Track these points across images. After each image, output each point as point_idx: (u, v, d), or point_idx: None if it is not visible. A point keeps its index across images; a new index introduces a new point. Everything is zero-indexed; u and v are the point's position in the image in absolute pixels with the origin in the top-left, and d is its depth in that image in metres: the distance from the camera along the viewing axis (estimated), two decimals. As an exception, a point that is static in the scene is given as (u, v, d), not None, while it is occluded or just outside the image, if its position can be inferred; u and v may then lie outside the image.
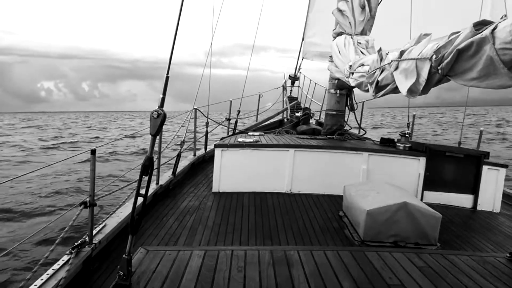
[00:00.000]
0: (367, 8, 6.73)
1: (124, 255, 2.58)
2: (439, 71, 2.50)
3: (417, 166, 6.09)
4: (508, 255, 3.44)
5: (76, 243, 3.36)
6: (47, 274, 2.95)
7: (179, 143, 6.68)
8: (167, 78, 2.72)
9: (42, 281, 2.86)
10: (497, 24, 1.99)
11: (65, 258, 3.20)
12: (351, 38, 6.37)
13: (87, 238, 3.48)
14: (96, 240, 3.58)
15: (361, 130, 8.69)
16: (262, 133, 8.06)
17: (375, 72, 3.77)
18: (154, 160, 2.98)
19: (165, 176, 6.22)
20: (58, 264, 3.10)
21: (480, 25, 2.15)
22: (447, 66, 2.39)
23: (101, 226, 3.95)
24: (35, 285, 2.81)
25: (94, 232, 3.69)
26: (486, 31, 2.03)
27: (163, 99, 2.67)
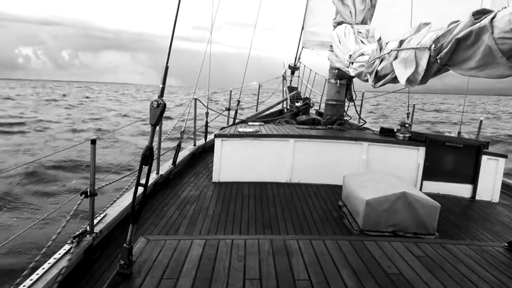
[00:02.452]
0: (367, -3, 6.67)
1: (125, 244, 2.60)
2: (438, 61, 2.49)
3: (416, 156, 6.10)
4: (506, 244, 3.46)
5: (77, 233, 3.39)
6: (49, 263, 2.98)
7: (179, 133, 6.69)
8: (167, 67, 2.70)
9: (44, 270, 2.89)
10: (496, 13, 1.98)
11: (67, 247, 3.22)
12: (352, 27, 6.34)
13: (88, 227, 3.51)
14: (97, 229, 3.61)
15: (360, 120, 8.69)
16: (262, 123, 8.06)
17: (374, 62, 3.76)
18: (154, 150, 2.98)
19: (165, 166, 6.24)
20: (59, 253, 3.13)
21: (479, 14, 2.14)
22: (446, 56, 2.38)
23: (102, 215, 3.98)
24: (37, 274, 2.83)
25: (95, 221, 3.72)
26: (485, 20, 2.02)
27: (162, 89, 2.67)
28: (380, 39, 3.73)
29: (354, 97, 7.98)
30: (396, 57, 3.16)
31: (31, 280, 2.75)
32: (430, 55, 2.58)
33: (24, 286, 2.68)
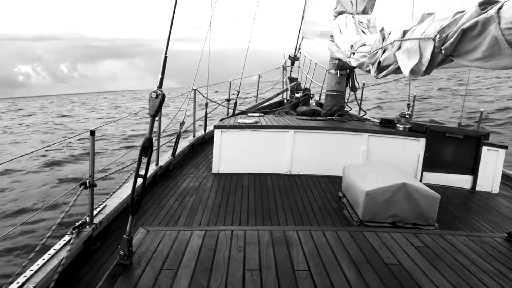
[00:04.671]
0: (369, -14, 6.60)
1: (124, 235, 2.59)
2: (443, 51, 2.46)
3: (416, 147, 6.09)
4: (505, 235, 3.46)
5: (77, 223, 3.38)
6: (49, 254, 2.98)
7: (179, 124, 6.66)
8: (165, 58, 2.67)
9: (44, 260, 2.89)
10: (503, 4, 1.94)
11: (66, 238, 3.22)
12: (352, 17, 6.27)
13: (87, 218, 3.50)
14: (96, 220, 3.60)
15: (361, 111, 8.66)
16: (262, 114, 8.02)
17: (377, 52, 3.72)
18: (154, 141, 2.96)
19: (165, 157, 6.22)
20: (59, 244, 3.13)
21: (486, 4, 2.10)
22: (451, 46, 2.35)
23: (101, 206, 3.97)
24: (37, 264, 2.83)
25: (95, 212, 3.71)
26: (492, 11, 1.99)
27: (161, 80, 2.64)
28: (382, 29, 3.69)
29: (357, 87, 7.93)
30: (399, 48, 3.12)
31: (31, 270, 2.75)
32: (434, 46, 2.55)
33: (24, 276, 2.68)
